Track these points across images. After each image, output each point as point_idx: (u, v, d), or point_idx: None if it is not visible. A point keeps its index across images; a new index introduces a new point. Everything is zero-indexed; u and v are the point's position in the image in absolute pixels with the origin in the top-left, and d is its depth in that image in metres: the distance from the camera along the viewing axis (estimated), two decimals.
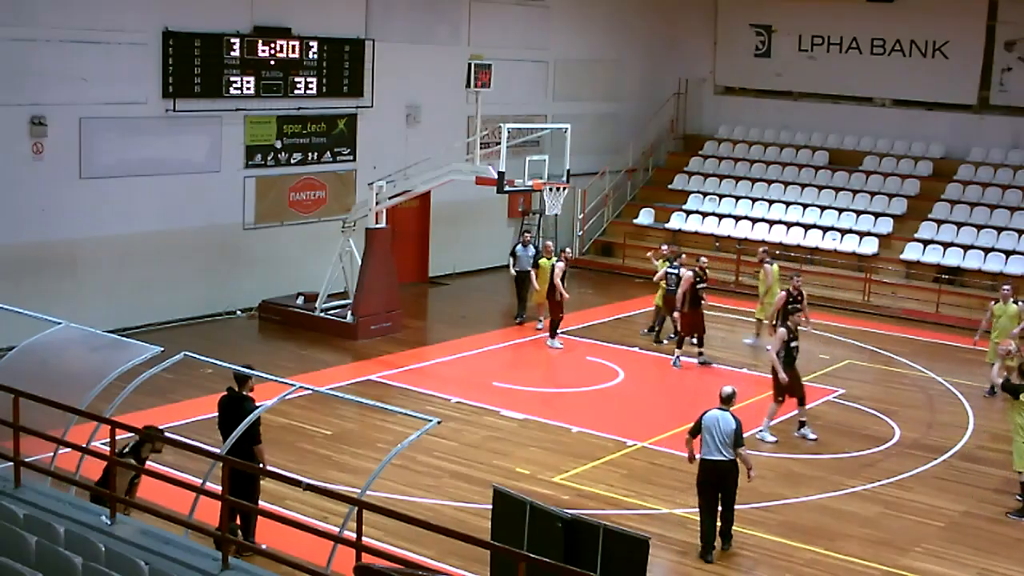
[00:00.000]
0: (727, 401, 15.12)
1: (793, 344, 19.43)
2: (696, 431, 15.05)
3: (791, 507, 16.69)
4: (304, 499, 14.83)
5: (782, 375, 19.25)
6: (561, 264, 24.54)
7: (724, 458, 14.70)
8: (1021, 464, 16.59)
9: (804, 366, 22.50)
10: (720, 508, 14.94)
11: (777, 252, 31.43)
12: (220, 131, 25.28)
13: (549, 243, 26.30)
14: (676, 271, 24.41)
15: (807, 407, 19.75)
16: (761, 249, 26.19)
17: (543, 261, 25.13)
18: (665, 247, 26.88)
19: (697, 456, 15.08)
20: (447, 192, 27.67)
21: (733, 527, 15.10)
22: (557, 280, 24.20)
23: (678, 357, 23.59)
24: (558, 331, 24.52)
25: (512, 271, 26.56)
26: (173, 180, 24.60)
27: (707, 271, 24.20)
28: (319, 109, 27.10)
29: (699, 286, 23.47)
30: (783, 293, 23.18)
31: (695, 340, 23.70)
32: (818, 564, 14.86)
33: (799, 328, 20.27)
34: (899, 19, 34.29)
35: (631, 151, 36.19)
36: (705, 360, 23.65)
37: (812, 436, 19.46)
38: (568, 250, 26.55)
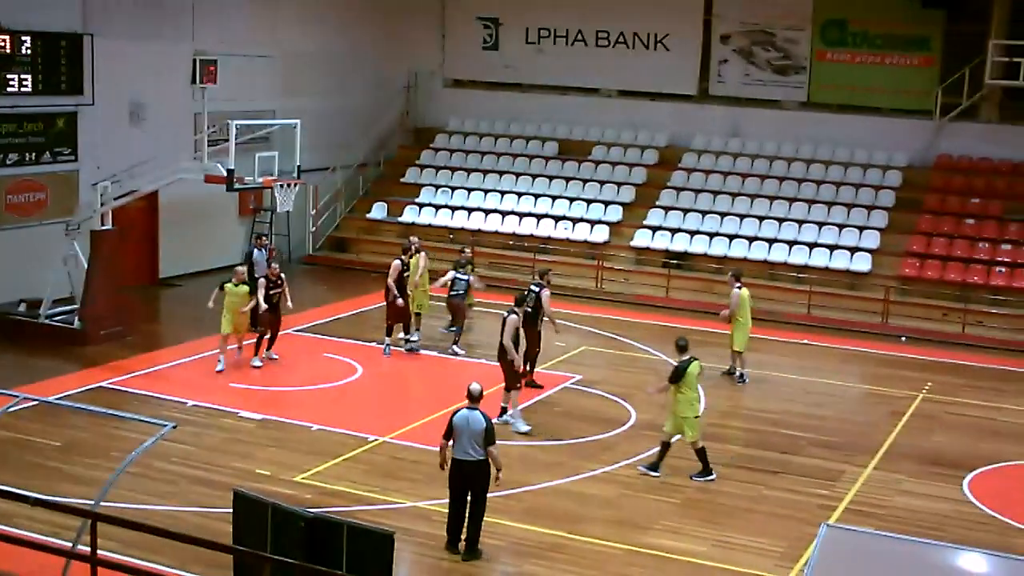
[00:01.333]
0: (476, 399, 14.87)
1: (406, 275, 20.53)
2: (449, 434, 14.68)
3: (533, 493, 16.92)
4: (34, 515, 14.16)
5: (518, 362, 19.62)
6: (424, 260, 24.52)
7: (474, 457, 14.51)
8: (692, 436, 17.57)
9: (541, 354, 22.91)
10: (469, 509, 14.72)
11: (525, 244, 32.00)
12: None
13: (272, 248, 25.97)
14: (466, 278, 24.35)
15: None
16: (730, 273, 24.01)
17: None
18: (415, 240, 25.54)
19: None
20: (176, 191, 26.95)
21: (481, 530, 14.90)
22: (391, 282, 23.58)
23: (388, 345, 23.88)
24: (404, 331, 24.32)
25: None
26: None
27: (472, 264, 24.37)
28: (35, 107, 25.95)
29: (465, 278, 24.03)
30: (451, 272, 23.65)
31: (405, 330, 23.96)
32: (563, 548, 15.10)
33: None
34: (622, 12, 35.25)
35: (362, 145, 36.05)
36: (413, 347, 23.94)
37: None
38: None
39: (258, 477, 16.86)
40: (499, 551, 15.05)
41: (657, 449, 17.90)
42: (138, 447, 11.81)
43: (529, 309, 21.50)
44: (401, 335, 24.14)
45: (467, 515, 14.75)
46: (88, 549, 10.22)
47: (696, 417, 17.66)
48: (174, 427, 11.54)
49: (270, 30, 32.42)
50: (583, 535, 15.49)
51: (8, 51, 24.95)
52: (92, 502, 11.68)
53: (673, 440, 17.79)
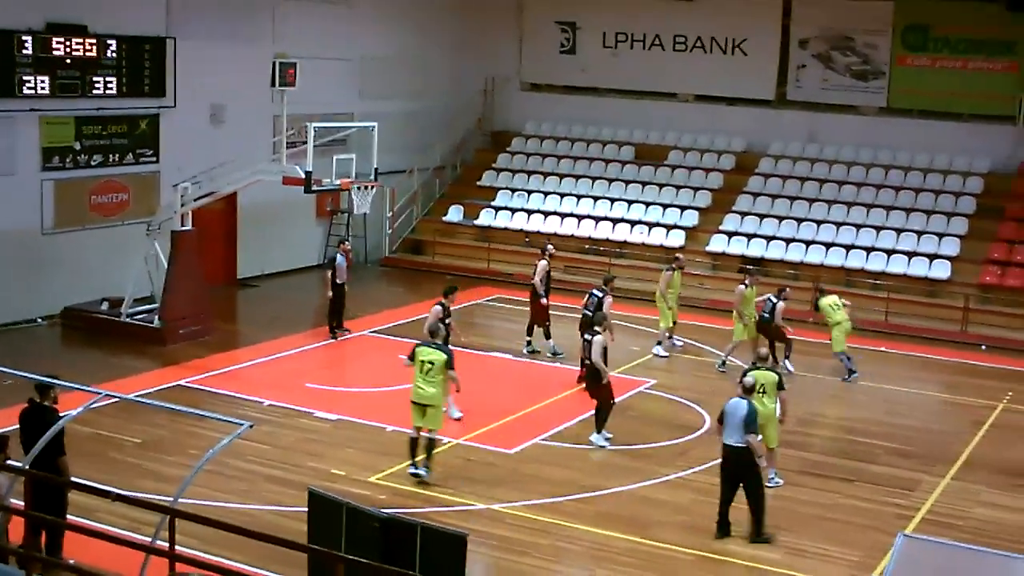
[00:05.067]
0: (749, 391, 15.85)
1: (447, 321, 19.73)
2: (721, 418, 15.78)
3: (607, 497, 16.90)
4: (114, 510, 14.35)
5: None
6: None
7: (738, 444, 15.42)
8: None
9: (615, 358, 22.88)
10: (747, 496, 15.58)
11: (600, 248, 31.97)
12: (13, 132, 24.36)
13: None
14: (599, 294, 22.75)
15: None
16: (749, 268, 24.57)
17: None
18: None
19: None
20: (254, 193, 27.24)
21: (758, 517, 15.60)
22: (537, 281, 23.89)
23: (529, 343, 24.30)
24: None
25: (333, 283, 24.79)
26: None
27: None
28: (120, 109, 26.35)
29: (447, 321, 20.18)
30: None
31: None
32: (635, 552, 15.07)
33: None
34: (699, 17, 35.10)
35: (439, 149, 36.20)
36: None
37: (457, 415, 19.61)
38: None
39: (333, 477, 16.99)
40: (572, 555, 15.07)
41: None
42: (215, 445, 11.93)
43: (590, 313, 21.54)
44: (546, 340, 24.16)
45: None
46: (166, 544, 10.35)
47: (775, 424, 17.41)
48: (251, 426, 11.63)
49: (348, 34, 32.65)
50: (655, 540, 15.45)
51: (94, 55, 25.38)
52: (170, 498, 11.83)
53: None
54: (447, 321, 19.84)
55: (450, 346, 18.48)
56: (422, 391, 16.95)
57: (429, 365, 16.90)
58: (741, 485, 15.59)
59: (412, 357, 17.13)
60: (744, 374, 16.58)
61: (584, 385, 20.02)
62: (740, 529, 15.77)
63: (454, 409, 19.45)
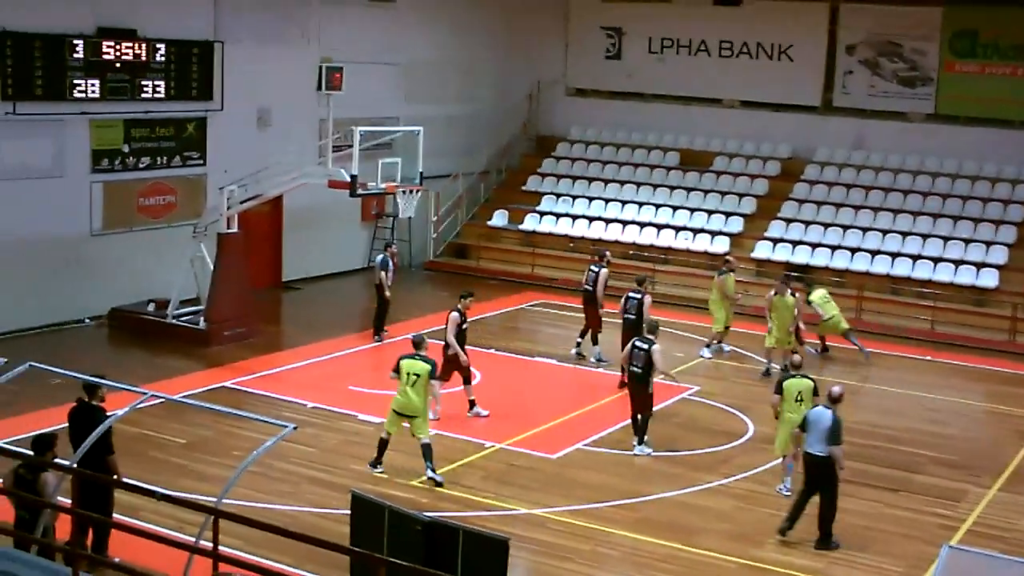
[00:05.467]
0: (835, 400, 15.90)
1: (464, 327, 20.23)
2: (803, 426, 15.92)
3: (649, 504, 16.86)
4: (159, 509, 14.44)
5: (463, 356, 19.95)
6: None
7: (820, 453, 15.54)
8: (782, 449, 17.51)
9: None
10: (820, 503, 15.73)
11: (644, 254, 31.93)
12: (64, 135, 24.63)
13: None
14: (638, 295, 22.64)
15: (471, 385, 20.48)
16: (789, 275, 24.53)
17: None
18: (607, 252, 25.63)
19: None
20: (299, 196, 27.37)
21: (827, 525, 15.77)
22: (599, 290, 23.90)
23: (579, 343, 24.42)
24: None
25: (387, 286, 24.98)
26: (15, 186, 23.85)
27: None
28: (167, 112, 26.58)
29: (464, 327, 20.59)
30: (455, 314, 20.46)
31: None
32: (676, 559, 15.04)
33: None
34: (745, 22, 34.98)
35: (484, 153, 36.27)
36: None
37: (484, 413, 20.18)
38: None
39: (375, 479, 17.05)
40: (612, 561, 15.05)
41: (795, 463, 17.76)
42: (259, 447, 12.00)
43: (632, 316, 21.51)
44: (593, 346, 24.20)
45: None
46: (210, 544, 10.42)
47: (793, 433, 17.14)
48: (294, 428, 11.69)
49: (395, 37, 32.77)
50: (697, 547, 15.40)
51: (144, 59, 25.60)
52: (214, 499, 11.90)
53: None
54: (464, 327, 20.22)
55: (467, 346, 19.98)
56: (406, 402, 17.30)
57: (415, 377, 17.25)
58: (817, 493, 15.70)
59: (397, 370, 17.44)
60: (822, 389, 16.66)
61: (627, 391, 19.96)
62: (784, 537, 15.71)
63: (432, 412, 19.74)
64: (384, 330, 25.22)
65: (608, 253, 25.27)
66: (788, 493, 17.20)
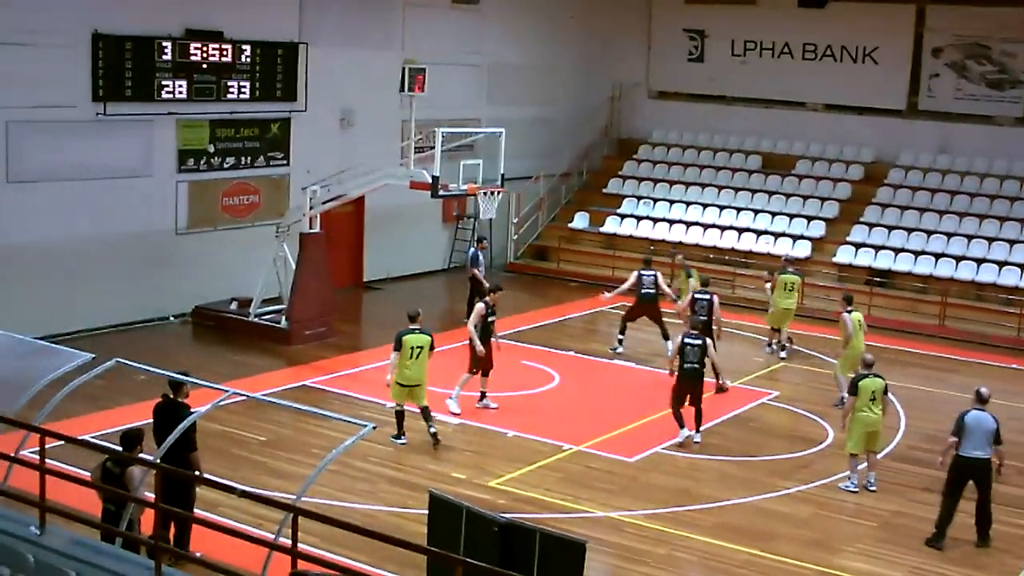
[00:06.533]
0: (985, 401, 15.99)
1: (491, 319, 20.32)
2: (958, 432, 15.86)
3: (726, 509, 16.79)
4: (239, 506, 14.68)
5: (479, 347, 19.97)
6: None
7: (983, 456, 15.72)
8: (854, 447, 17.54)
9: (737, 368, 22.80)
10: (978, 503, 15.92)
11: (726, 258, 31.77)
12: (152, 135, 25.03)
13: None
14: (707, 296, 23.06)
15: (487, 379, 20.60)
16: (843, 297, 22.84)
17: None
18: (680, 257, 26.92)
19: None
20: (381, 196, 27.54)
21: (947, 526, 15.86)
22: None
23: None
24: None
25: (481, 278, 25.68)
26: (104, 184, 24.29)
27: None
28: (252, 113, 26.90)
29: (491, 319, 20.53)
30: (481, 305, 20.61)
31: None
32: (753, 565, 14.95)
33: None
34: (830, 25, 34.64)
35: (566, 155, 36.29)
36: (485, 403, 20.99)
37: (493, 405, 20.50)
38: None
39: (453, 480, 17.13)
40: (688, 565, 15.00)
41: (864, 466, 17.76)
42: (338, 446, 12.10)
43: (703, 318, 21.49)
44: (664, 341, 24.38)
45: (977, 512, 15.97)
46: (289, 541, 10.53)
47: (866, 432, 17.37)
48: (374, 428, 11.78)
49: (477, 39, 32.90)
50: (774, 553, 15.30)
51: (229, 60, 25.94)
52: (294, 496, 12.02)
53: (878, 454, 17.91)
54: (490, 320, 20.40)
55: (494, 338, 20.44)
56: (412, 374, 18.35)
57: (418, 349, 18.32)
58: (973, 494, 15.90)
59: (399, 345, 18.23)
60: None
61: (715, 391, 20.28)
62: (862, 544, 15.56)
63: (454, 404, 20.30)
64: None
65: (681, 256, 26.12)
66: (855, 489, 17.36)
